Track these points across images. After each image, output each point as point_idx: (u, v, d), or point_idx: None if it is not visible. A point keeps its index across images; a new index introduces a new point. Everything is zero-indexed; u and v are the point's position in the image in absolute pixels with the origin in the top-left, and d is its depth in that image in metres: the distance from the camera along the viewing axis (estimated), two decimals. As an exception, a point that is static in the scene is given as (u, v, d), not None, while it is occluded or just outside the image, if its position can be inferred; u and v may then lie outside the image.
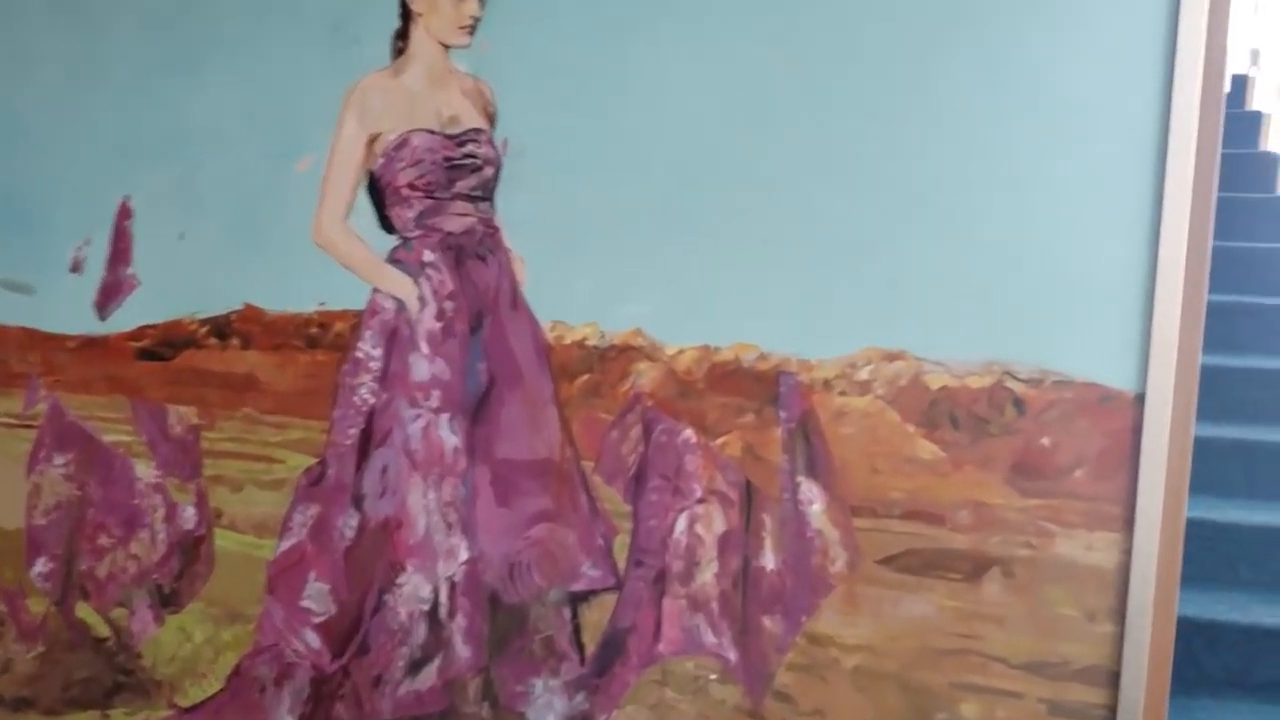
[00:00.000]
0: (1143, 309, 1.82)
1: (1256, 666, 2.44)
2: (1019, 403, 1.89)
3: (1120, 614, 1.87)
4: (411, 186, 2.12)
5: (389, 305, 2.17)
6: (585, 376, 2.08)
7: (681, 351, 2.03)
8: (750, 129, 1.96)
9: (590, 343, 2.07)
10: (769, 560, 2.02)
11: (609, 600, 2.11)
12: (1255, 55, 6.67)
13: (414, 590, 2.19)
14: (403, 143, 2.12)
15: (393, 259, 2.16)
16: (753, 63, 1.96)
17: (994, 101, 1.85)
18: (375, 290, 2.17)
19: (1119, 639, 1.87)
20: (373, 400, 2.18)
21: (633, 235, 2.03)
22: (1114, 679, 1.87)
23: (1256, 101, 5.89)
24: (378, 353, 2.17)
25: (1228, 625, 2.46)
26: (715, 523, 2.04)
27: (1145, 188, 1.81)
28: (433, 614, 2.19)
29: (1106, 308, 1.84)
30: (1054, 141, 1.84)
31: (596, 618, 2.12)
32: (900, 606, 1.97)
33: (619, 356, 2.06)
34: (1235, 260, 3.58)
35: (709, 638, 2.06)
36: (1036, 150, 1.85)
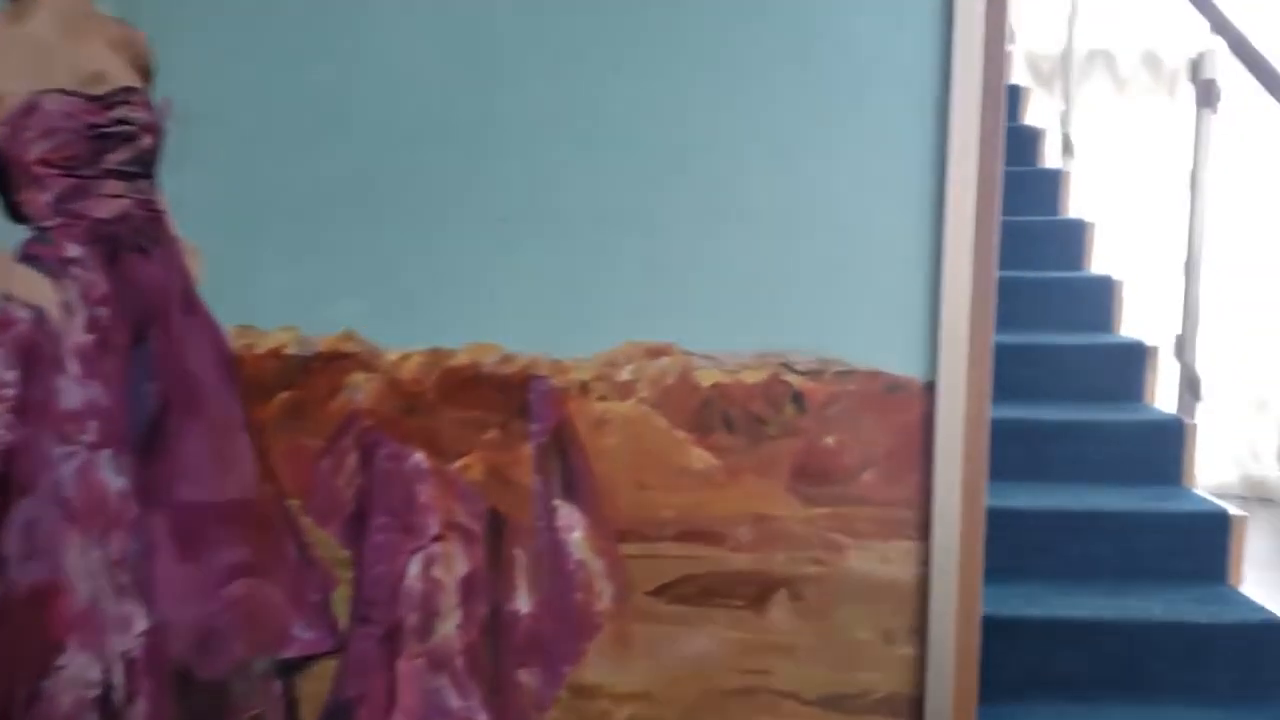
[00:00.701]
0: (929, 286, 1.62)
1: (1056, 661, 2.34)
2: (799, 398, 1.65)
3: (921, 633, 1.66)
4: (45, 162, 1.66)
5: (23, 315, 1.69)
6: (285, 394, 1.69)
7: (405, 357, 1.67)
8: (475, 86, 1.63)
9: (289, 351, 1.68)
10: (523, 602, 1.70)
11: (330, 666, 1.72)
12: (1010, 32, 6.91)
13: (79, 673, 1.73)
14: (30, 108, 1.65)
15: (25, 256, 1.69)
16: (476, 6, 1.62)
17: (759, 51, 1.60)
18: (3, 297, 1.69)
19: (920, 662, 1.66)
20: (9, 437, 1.70)
21: (336, 217, 1.66)
22: (917, 706, 1.66)
23: (1014, 76, 6.07)
24: (11, 376, 1.69)
25: (1025, 621, 2.35)
26: (456, 563, 1.70)
27: (927, 150, 1.60)
28: (105, 700, 1.73)
29: (889, 286, 1.63)
30: (828, 96, 1.61)
31: (316, 689, 1.73)
32: (678, 644, 1.69)
33: (327, 367, 1.68)
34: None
35: (454, 701, 1.71)
36: (809, 107, 1.61)
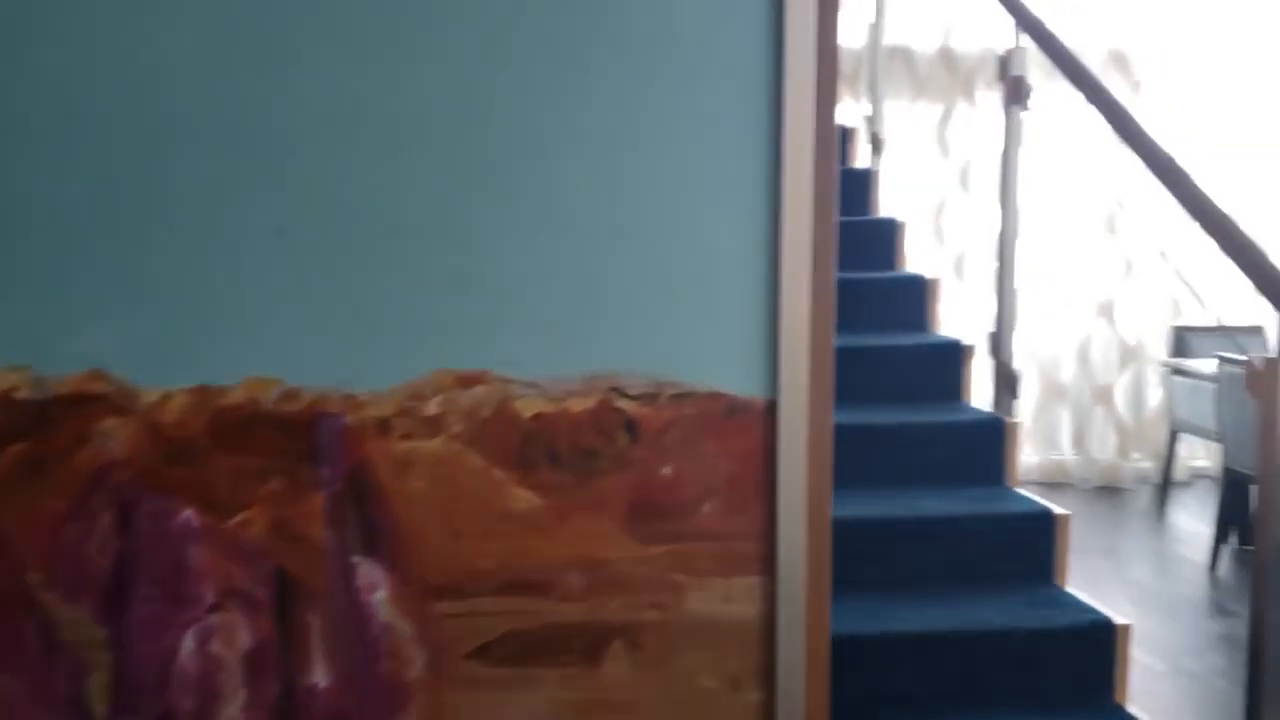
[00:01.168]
0: (767, 296, 1.48)
1: (897, 677, 2.25)
2: (632, 426, 1.48)
3: (768, 675, 1.52)
4: None
5: None
6: (17, 446, 1.40)
7: (167, 397, 1.42)
8: (246, 74, 1.39)
9: (20, 395, 1.39)
10: (321, 676, 1.46)
11: (87, 768, 1.44)
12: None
13: None
14: None
15: None
16: (240, -18, 1.38)
17: (573, 39, 1.42)
18: None
19: (768, 707, 1.52)
20: None
21: (75, 233, 1.39)
22: (769, 756, 1.52)
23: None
24: None
25: (863, 639, 2.26)
26: (239, 636, 1.45)
27: (760, 147, 1.46)
28: None
29: (726, 297, 1.48)
30: (652, 90, 1.44)
31: (70, 796, 1.45)
32: (504, 711, 1.49)
33: (70, 412, 1.40)
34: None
35: (243, 798, 1.46)
36: (630, 102, 1.44)
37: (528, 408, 1.46)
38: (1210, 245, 2.10)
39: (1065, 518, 2.62)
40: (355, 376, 1.43)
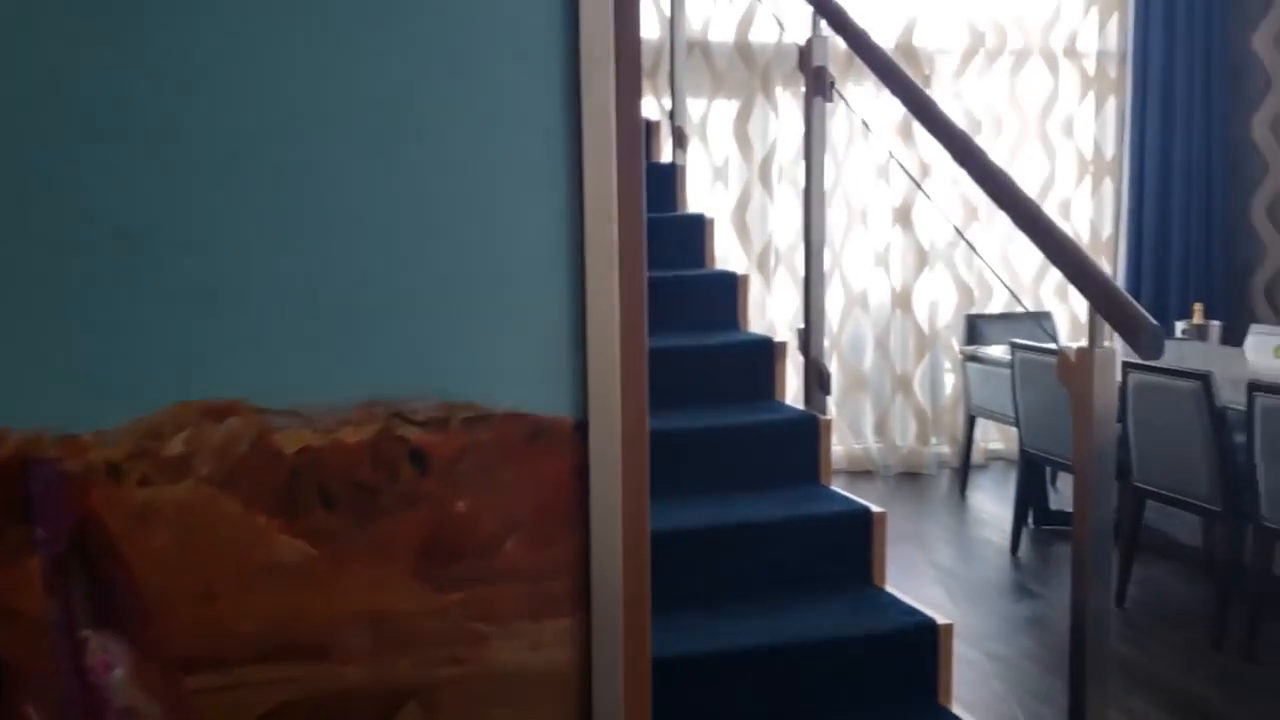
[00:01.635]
0: (572, 302, 1.30)
1: (723, 698, 2.12)
2: (419, 457, 1.28)
3: (587, 727, 1.35)
4: None
5: None
6: None
7: None
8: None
9: None
10: (45, 779, 1.20)
11: None
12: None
13: None
14: None
15: None
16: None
17: (344, 7, 1.21)
18: None
19: (590, 763, 1.35)
20: None
21: None
22: (590, 821, 1.35)
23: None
24: None
25: (688, 660, 2.12)
26: (-68, 741, 1.17)
27: (559, 135, 1.28)
28: None
29: (524, 304, 1.30)
30: (436, 71, 1.24)
31: None
32: (278, 799, 1.26)
33: None
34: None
35: None
36: (411, 84, 1.24)
37: (291, 441, 1.24)
38: (1002, 234, 2.06)
39: (882, 515, 2.57)
40: (74, 414, 1.18)
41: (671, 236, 3.42)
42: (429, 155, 1.26)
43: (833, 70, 2.91)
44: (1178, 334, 5.15)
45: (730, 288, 3.24)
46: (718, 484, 2.73)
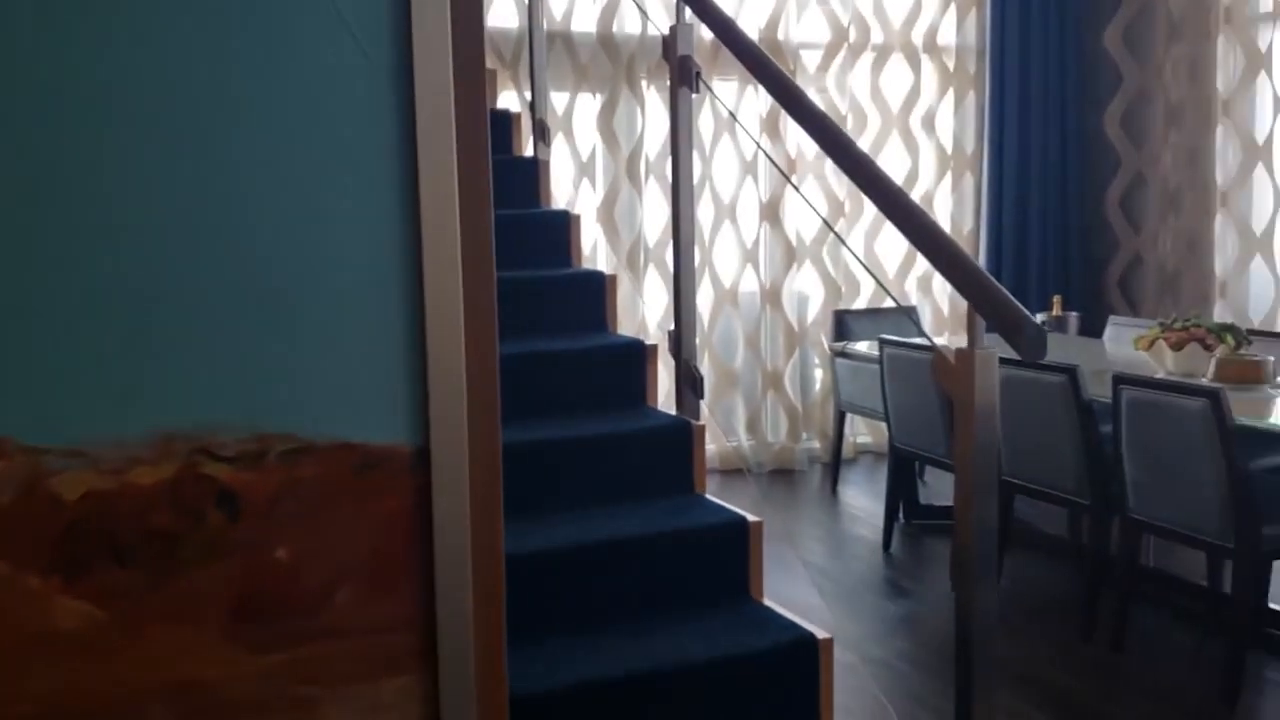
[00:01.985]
0: (408, 312, 1.14)
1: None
2: (229, 498, 1.10)
3: (437, 798, 1.18)
4: None
5: None
6: None
7: None
8: None
9: None
10: None
11: None
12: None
13: None
14: None
15: None
16: None
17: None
18: None
19: (440, 838, 1.18)
20: None
21: None
22: None
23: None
24: None
25: (556, 695, 1.96)
26: None
27: (389, 123, 1.11)
28: None
29: (351, 317, 1.13)
30: (253, 55, 1.06)
31: None
32: None
33: None
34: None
35: None
36: (224, 69, 1.05)
37: (71, 486, 1.04)
38: (868, 229, 1.97)
39: (758, 525, 2.46)
40: None
41: (533, 235, 3.25)
42: (239, 148, 1.08)
43: (698, 61, 2.80)
44: (1039, 326, 5.22)
45: (597, 287, 3.09)
46: (585, 499, 2.58)
